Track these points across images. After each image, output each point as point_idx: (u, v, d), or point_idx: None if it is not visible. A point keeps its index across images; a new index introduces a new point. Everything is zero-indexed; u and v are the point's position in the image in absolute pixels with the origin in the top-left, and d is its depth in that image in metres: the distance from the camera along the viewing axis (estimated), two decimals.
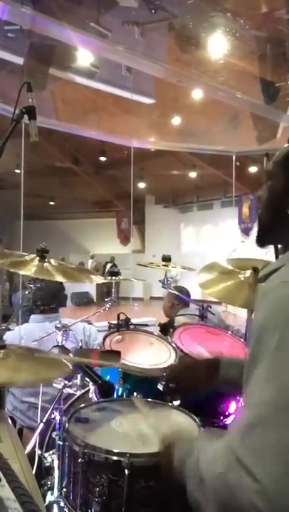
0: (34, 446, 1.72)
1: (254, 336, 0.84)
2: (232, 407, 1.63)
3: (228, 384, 1.34)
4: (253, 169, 11.00)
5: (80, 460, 1.16)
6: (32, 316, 2.50)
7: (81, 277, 1.79)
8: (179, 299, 3.07)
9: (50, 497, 1.46)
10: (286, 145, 1.07)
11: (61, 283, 2.50)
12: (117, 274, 2.37)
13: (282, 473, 0.70)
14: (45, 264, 1.64)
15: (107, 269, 14.22)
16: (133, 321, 2.05)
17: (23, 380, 1.27)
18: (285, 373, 0.76)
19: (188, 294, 3.24)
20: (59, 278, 1.61)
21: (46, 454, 1.64)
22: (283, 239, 1.02)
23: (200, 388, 1.41)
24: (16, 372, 1.31)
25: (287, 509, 0.70)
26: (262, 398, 0.76)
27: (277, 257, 1.13)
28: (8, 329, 1.41)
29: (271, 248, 1.43)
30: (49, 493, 1.48)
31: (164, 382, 1.46)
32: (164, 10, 5.14)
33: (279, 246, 1.08)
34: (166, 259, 2.25)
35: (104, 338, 1.86)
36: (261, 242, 1.07)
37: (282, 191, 0.99)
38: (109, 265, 14.94)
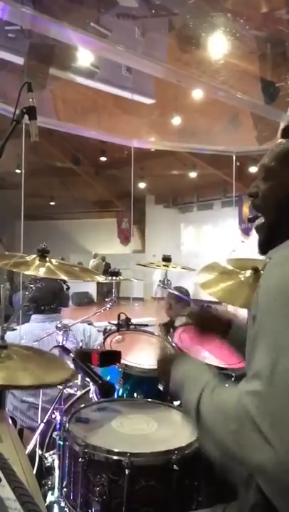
0: (35, 446, 1.72)
1: (260, 308, 0.84)
2: None
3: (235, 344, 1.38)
4: (253, 169, 10.95)
5: (80, 460, 1.17)
6: (33, 316, 2.50)
7: (83, 276, 1.80)
8: (179, 299, 3.07)
9: (50, 497, 1.47)
10: (280, 140, 1.04)
11: (61, 283, 2.49)
12: (117, 274, 2.36)
13: None
14: (47, 264, 1.64)
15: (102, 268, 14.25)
16: (133, 321, 2.05)
17: (22, 384, 1.23)
18: None
19: (187, 294, 3.24)
20: (62, 276, 1.61)
21: (47, 454, 1.64)
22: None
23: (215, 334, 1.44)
24: (17, 374, 1.29)
25: None
26: (276, 365, 0.75)
27: None
28: (13, 329, 1.40)
29: None
30: (50, 493, 1.49)
31: (164, 382, 1.46)
32: (164, 10, 5.13)
33: None
34: (166, 259, 2.24)
35: (105, 338, 1.86)
36: (267, 247, 1.02)
37: None
38: (103, 264, 14.96)
